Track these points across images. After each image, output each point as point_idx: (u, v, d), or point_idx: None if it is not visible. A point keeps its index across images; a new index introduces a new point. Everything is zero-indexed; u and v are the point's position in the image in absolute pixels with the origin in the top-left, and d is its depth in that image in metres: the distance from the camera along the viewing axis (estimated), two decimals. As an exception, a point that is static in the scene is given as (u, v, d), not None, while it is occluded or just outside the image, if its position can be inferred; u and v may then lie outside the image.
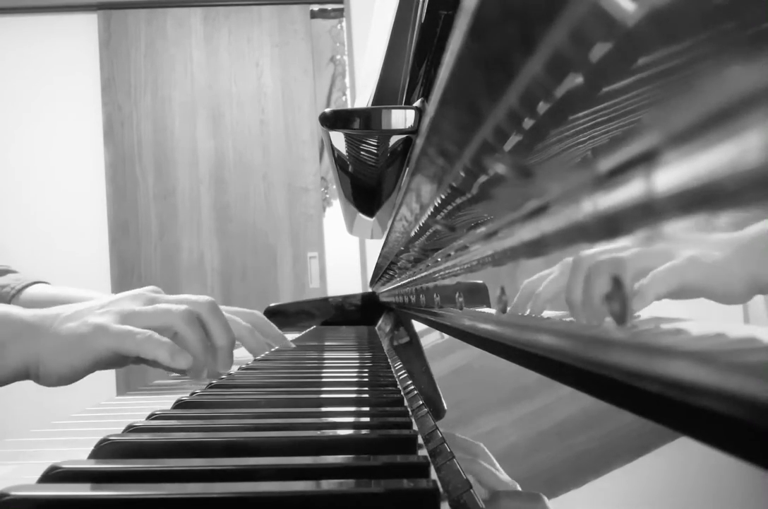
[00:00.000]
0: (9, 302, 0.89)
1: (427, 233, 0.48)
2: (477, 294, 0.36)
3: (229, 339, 0.69)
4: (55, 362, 0.62)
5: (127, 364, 0.69)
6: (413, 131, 0.40)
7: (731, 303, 0.11)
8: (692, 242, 0.12)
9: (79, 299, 0.84)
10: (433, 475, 0.29)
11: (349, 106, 1.64)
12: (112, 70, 2.90)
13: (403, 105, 0.46)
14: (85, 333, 0.62)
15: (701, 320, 0.13)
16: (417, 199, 0.42)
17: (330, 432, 0.35)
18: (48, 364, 0.62)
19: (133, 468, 0.29)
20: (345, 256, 2.85)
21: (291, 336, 1.19)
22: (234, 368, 0.70)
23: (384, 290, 1.33)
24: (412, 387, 0.52)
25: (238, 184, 2.89)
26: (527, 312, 0.26)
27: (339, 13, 2.90)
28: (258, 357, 0.80)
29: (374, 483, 0.25)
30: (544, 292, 0.23)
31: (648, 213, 0.14)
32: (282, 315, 1.54)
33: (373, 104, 0.52)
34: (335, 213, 2.86)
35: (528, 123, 0.19)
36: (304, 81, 2.90)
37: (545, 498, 0.20)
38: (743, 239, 0.11)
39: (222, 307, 0.75)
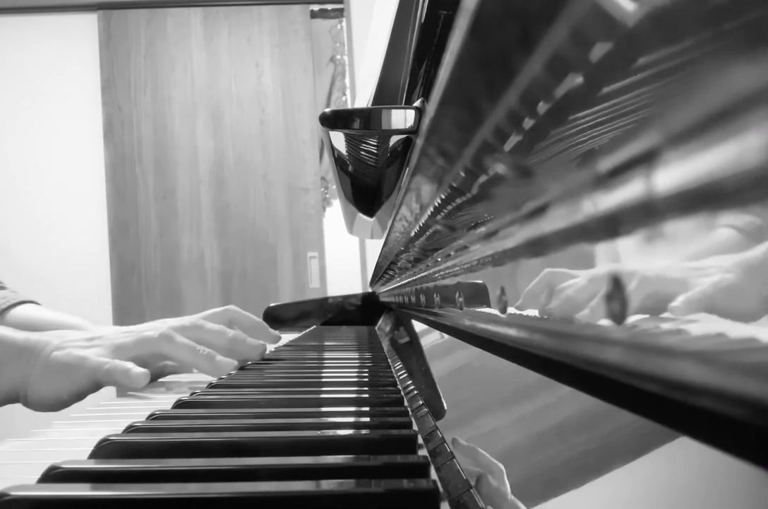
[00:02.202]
0: None
1: (427, 233, 0.48)
2: (477, 294, 0.36)
3: (223, 340, 0.73)
4: (41, 388, 0.64)
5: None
6: (413, 131, 0.40)
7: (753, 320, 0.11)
8: (692, 242, 0.12)
9: (66, 326, 0.85)
10: (433, 475, 0.29)
11: (349, 106, 1.64)
12: (112, 70, 2.90)
13: (403, 105, 0.46)
14: (68, 363, 0.64)
15: (701, 320, 0.13)
16: (417, 199, 0.42)
17: (330, 432, 0.35)
18: (36, 390, 0.64)
19: (133, 468, 0.29)
20: (345, 256, 2.85)
21: (291, 336, 1.19)
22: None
23: (384, 290, 1.33)
24: (412, 387, 0.52)
25: (238, 184, 2.89)
26: (527, 312, 0.26)
27: (339, 13, 2.90)
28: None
29: (374, 483, 0.25)
30: (543, 292, 0.23)
31: (648, 213, 0.14)
32: (282, 315, 1.54)
33: (373, 104, 0.52)
34: (335, 213, 2.86)
35: (528, 123, 0.19)
36: (304, 81, 2.90)
37: None
38: (754, 256, 0.11)
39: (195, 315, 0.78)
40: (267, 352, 0.85)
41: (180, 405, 0.46)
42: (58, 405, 0.65)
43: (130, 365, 0.65)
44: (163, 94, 2.91)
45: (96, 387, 0.66)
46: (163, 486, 0.26)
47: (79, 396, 0.66)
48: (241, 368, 0.68)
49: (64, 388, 0.64)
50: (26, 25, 2.91)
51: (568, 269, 0.20)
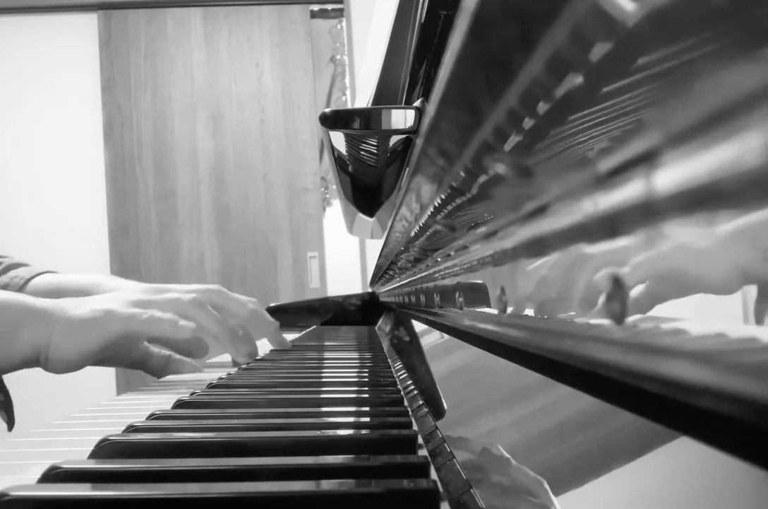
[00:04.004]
0: (18, 291, 0.90)
1: (427, 233, 0.48)
2: (477, 294, 0.36)
3: (248, 312, 0.78)
4: (65, 346, 0.64)
5: (133, 358, 0.73)
6: (413, 131, 0.40)
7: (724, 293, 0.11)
8: (692, 241, 0.12)
9: (84, 284, 0.86)
10: (433, 475, 0.29)
11: (349, 106, 1.64)
12: (112, 70, 2.90)
13: (403, 105, 0.46)
14: (95, 317, 0.65)
15: (701, 320, 0.13)
16: (417, 199, 0.42)
17: (330, 432, 0.35)
18: (58, 349, 0.64)
19: (133, 468, 0.29)
20: (345, 256, 2.85)
21: (291, 336, 1.19)
22: (233, 369, 0.70)
23: (384, 290, 1.33)
24: (412, 387, 0.52)
25: (238, 184, 2.89)
26: (527, 312, 0.26)
27: (339, 13, 2.90)
28: (258, 357, 0.80)
29: (374, 483, 0.25)
30: (543, 292, 0.23)
31: (648, 213, 0.14)
32: (282, 315, 1.54)
33: (373, 104, 0.52)
34: (335, 213, 2.86)
35: (528, 123, 0.19)
36: (304, 81, 2.90)
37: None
38: (733, 231, 0.11)
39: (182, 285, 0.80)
40: (266, 353, 0.85)
41: (180, 405, 0.46)
42: (80, 360, 0.65)
43: (173, 315, 0.66)
44: (163, 94, 2.91)
45: (125, 339, 0.67)
46: (163, 486, 0.26)
47: (105, 349, 0.66)
48: (241, 368, 0.69)
49: (91, 342, 0.64)
50: (26, 25, 2.91)
51: (567, 269, 0.20)
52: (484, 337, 0.36)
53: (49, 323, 0.64)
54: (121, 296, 0.70)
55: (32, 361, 0.65)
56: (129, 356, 0.73)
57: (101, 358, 0.68)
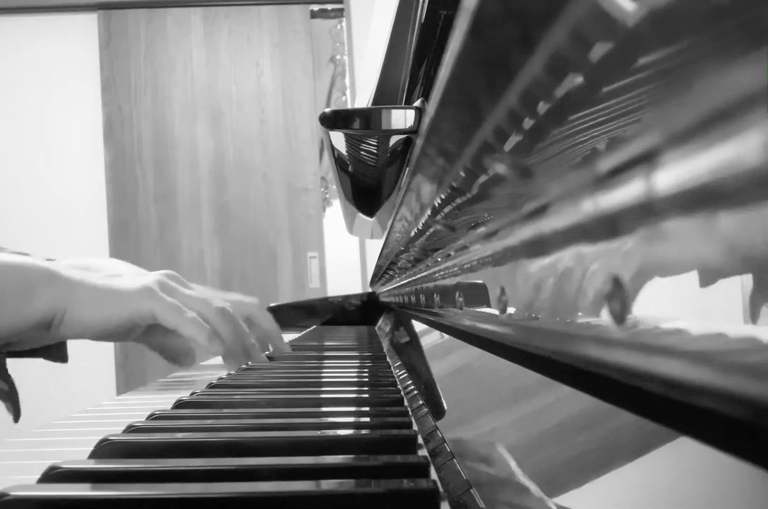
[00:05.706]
0: None
1: (427, 233, 0.48)
2: (477, 294, 0.36)
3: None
4: (86, 310, 0.63)
5: (149, 339, 0.72)
6: (413, 131, 0.40)
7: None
8: (692, 241, 0.12)
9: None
10: (433, 475, 0.29)
11: (349, 106, 1.64)
12: (112, 70, 2.90)
13: (403, 105, 0.46)
14: (131, 290, 0.64)
15: (701, 320, 0.13)
16: (417, 199, 0.42)
17: (330, 432, 0.35)
18: (77, 311, 0.63)
19: (133, 468, 0.29)
20: (345, 256, 2.85)
21: (291, 336, 1.19)
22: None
23: (384, 290, 1.33)
24: (412, 387, 0.52)
25: (238, 184, 2.89)
26: (527, 312, 0.26)
27: (339, 13, 2.90)
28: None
29: (374, 483, 0.25)
30: (543, 292, 0.23)
31: (647, 213, 0.14)
32: (282, 315, 1.54)
33: (373, 104, 0.52)
34: (335, 213, 2.86)
35: (528, 123, 0.19)
36: (304, 81, 2.90)
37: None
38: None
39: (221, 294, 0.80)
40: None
41: (180, 405, 0.46)
42: (102, 328, 0.64)
43: (207, 326, 0.65)
44: (163, 94, 2.91)
45: (150, 322, 0.65)
46: (163, 486, 0.26)
47: (130, 323, 0.64)
48: (241, 368, 0.69)
49: (120, 313, 0.63)
50: (26, 25, 2.91)
51: (567, 269, 0.20)
52: (484, 337, 0.36)
53: (68, 286, 0.63)
54: (150, 276, 0.68)
55: (45, 323, 0.63)
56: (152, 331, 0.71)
57: (128, 326, 0.66)
